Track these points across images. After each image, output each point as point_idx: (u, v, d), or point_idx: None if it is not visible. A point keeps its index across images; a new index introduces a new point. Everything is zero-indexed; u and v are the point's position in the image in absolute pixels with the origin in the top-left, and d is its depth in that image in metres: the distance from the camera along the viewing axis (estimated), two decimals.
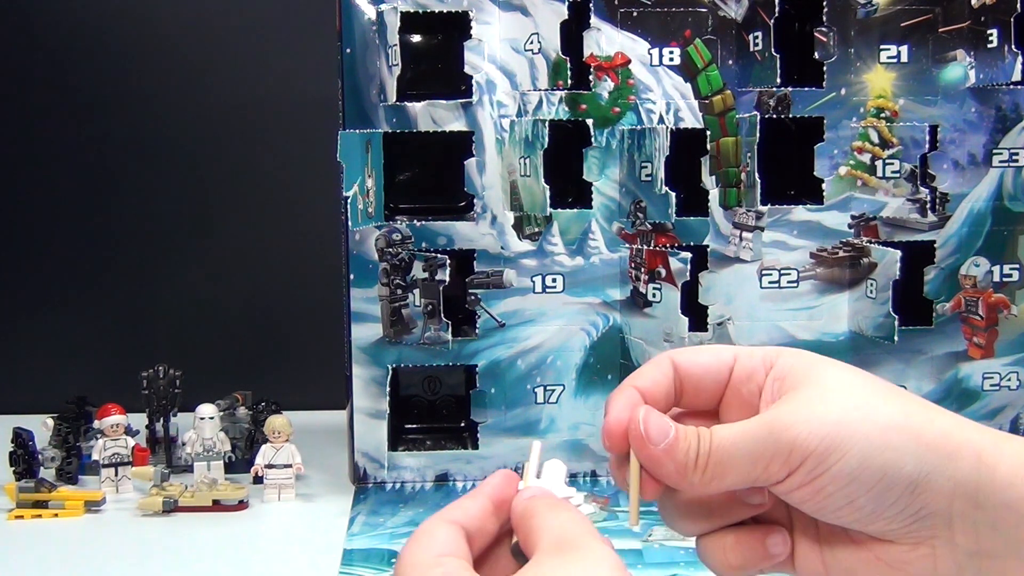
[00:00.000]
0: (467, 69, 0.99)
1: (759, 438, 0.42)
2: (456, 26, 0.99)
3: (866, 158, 1.01)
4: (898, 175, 1.01)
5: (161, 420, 1.08)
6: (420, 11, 0.98)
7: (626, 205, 1.02)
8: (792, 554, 0.46)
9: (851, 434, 0.42)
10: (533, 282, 1.01)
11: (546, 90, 1.00)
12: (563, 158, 1.00)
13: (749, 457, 0.43)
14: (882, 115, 1.01)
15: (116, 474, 1.01)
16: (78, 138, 1.31)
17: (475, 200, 1.00)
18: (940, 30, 1.01)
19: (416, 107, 0.99)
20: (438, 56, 1.04)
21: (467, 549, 0.42)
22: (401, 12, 0.97)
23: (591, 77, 1.00)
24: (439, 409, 1.09)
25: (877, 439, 0.42)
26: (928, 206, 1.02)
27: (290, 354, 1.33)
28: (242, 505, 0.97)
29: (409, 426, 1.08)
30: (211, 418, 1.02)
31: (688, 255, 0.98)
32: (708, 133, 1.00)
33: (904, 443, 0.42)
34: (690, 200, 1.00)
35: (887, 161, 1.01)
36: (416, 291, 1.01)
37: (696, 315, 1.00)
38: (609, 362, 1.03)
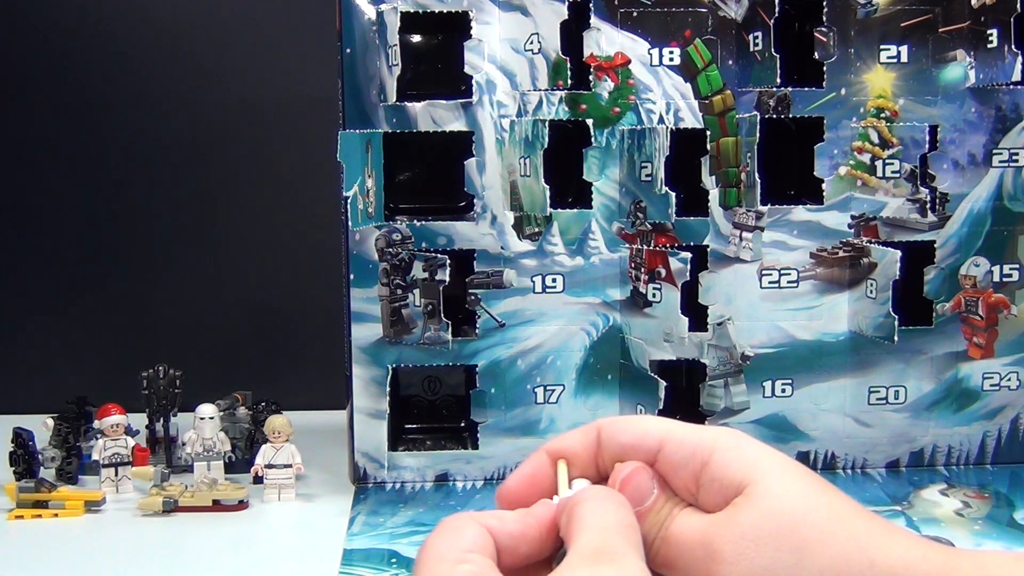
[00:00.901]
0: (467, 69, 0.99)
1: (697, 555, 0.41)
2: (456, 26, 0.99)
3: (866, 158, 1.01)
4: (898, 175, 1.01)
5: (161, 420, 1.08)
6: (420, 11, 0.98)
7: (626, 205, 1.02)
8: None
9: None
10: (533, 282, 1.01)
11: (546, 90, 1.00)
12: (563, 158, 1.00)
13: (686, 568, 0.42)
14: (882, 115, 1.01)
15: (116, 474, 1.01)
16: (78, 138, 1.31)
17: (475, 200, 1.00)
18: (940, 30, 1.01)
19: (416, 107, 0.99)
20: (438, 56, 1.04)
21: (495, 553, 0.40)
22: (401, 12, 0.97)
23: (591, 77, 1.00)
24: (439, 409, 1.09)
25: None
26: (928, 206, 1.02)
27: (290, 354, 1.34)
28: (242, 505, 0.97)
29: (409, 426, 1.08)
30: (211, 418, 1.02)
31: (688, 255, 0.98)
32: (708, 133, 1.00)
33: None
34: (690, 200, 1.00)
35: (887, 161, 1.01)
36: (416, 291, 1.01)
37: (696, 315, 1.00)
38: (609, 362, 1.03)
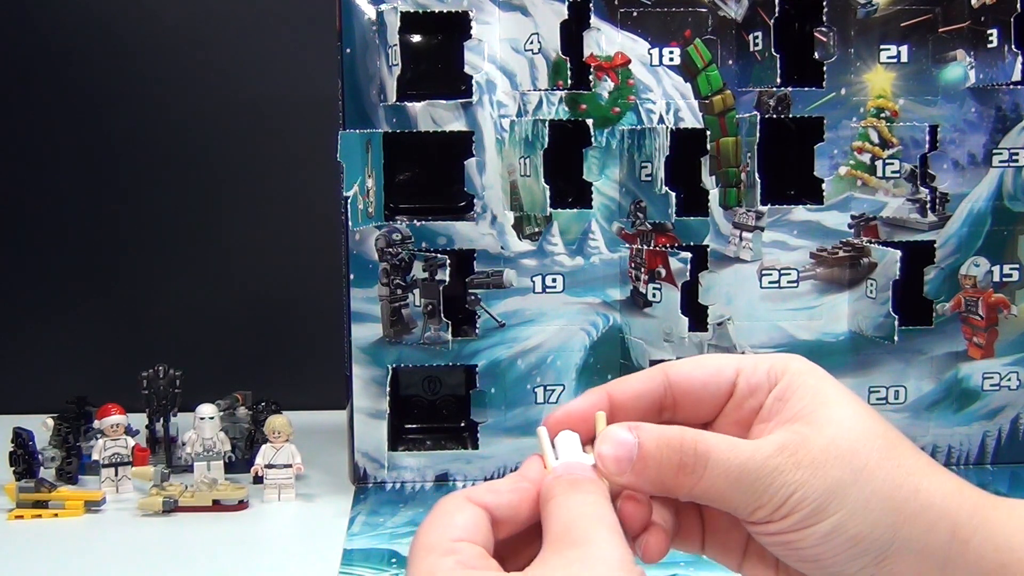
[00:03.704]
0: (467, 69, 0.99)
1: (761, 480, 0.41)
2: (456, 26, 0.99)
3: (866, 158, 1.01)
4: (898, 175, 1.01)
5: (161, 420, 1.08)
6: (420, 11, 0.98)
7: (626, 205, 1.02)
8: (742, 562, 0.46)
9: (839, 500, 0.41)
10: (533, 282, 1.01)
11: (546, 90, 1.00)
12: (563, 158, 1.00)
13: (743, 495, 0.41)
14: (882, 115, 1.01)
15: (116, 474, 1.01)
16: (78, 138, 1.31)
17: (475, 200, 1.00)
18: (940, 30, 1.01)
19: (416, 107, 0.99)
20: (438, 56, 1.04)
21: (488, 534, 0.40)
22: (401, 12, 0.97)
23: (591, 77, 1.00)
24: (439, 409, 1.09)
25: (860, 507, 0.41)
26: (928, 206, 1.02)
27: (290, 354, 1.33)
28: (242, 505, 0.97)
29: (409, 426, 1.08)
30: (211, 418, 1.02)
31: (688, 255, 0.98)
32: (708, 133, 1.00)
33: (883, 515, 0.41)
34: (690, 200, 1.00)
35: (887, 161, 1.01)
36: (416, 291, 1.01)
37: (696, 315, 1.00)
38: (609, 362, 1.03)
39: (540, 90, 1.00)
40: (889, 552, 0.41)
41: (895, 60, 1.01)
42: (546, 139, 0.99)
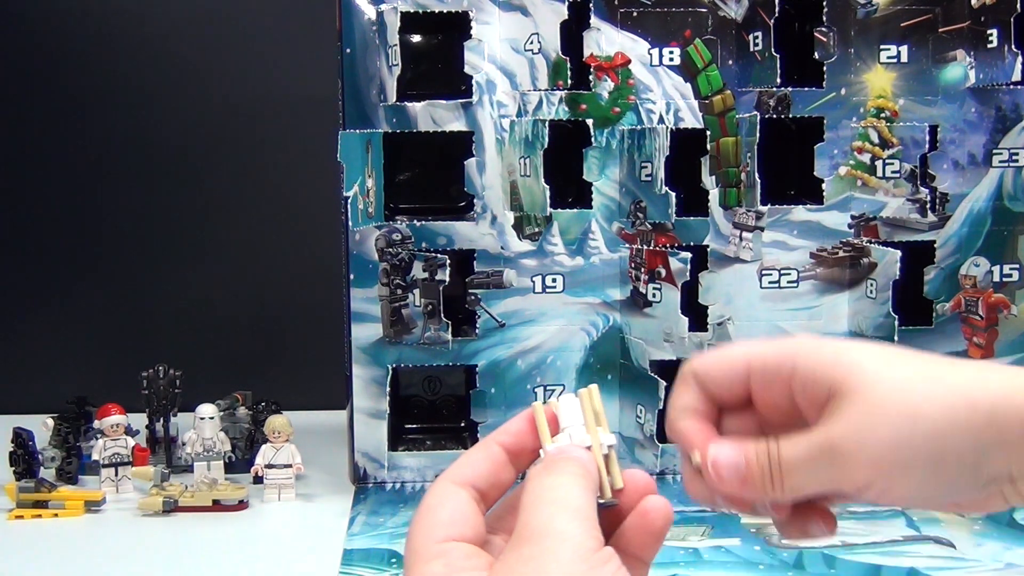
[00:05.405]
0: (467, 69, 0.99)
1: (822, 464, 0.42)
2: (456, 26, 0.99)
3: (866, 158, 1.01)
4: (898, 175, 1.01)
5: (161, 420, 1.08)
6: (420, 11, 0.98)
7: (626, 205, 1.02)
8: None
9: (909, 457, 0.41)
10: (533, 282, 1.01)
11: (546, 90, 1.00)
12: (563, 158, 1.00)
13: (819, 482, 0.43)
14: (882, 115, 1.01)
15: (116, 474, 1.01)
16: (77, 138, 1.31)
17: (475, 200, 1.00)
18: (940, 30, 1.01)
19: (416, 107, 0.99)
20: (438, 56, 1.04)
21: (478, 517, 0.41)
22: (401, 12, 0.97)
23: (591, 77, 1.00)
24: (439, 409, 1.09)
25: (934, 455, 0.41)
26: (928, 206, 1.02)
27: (290, 354, 1.34)
28: (242, 505, 0.97)
29: (409, 426, 1.08)
30: (211, 418, 1.02)
31: (688, 255, 0.98)
32: (708, 133, 1.00)
33: (957, 444, 0.41)
34: (690, 200, 1.00)
35: (887, 161, 1.01)
36: (416, 291, 1.01)
37: (696, 315, 1.00)
38: (609, 362, 1.03)
39: (540, 90, 1.00)
40: (980, 465, 0.41)
41: (895, 60, 1.01)
42: (546, 139, 0.99)
